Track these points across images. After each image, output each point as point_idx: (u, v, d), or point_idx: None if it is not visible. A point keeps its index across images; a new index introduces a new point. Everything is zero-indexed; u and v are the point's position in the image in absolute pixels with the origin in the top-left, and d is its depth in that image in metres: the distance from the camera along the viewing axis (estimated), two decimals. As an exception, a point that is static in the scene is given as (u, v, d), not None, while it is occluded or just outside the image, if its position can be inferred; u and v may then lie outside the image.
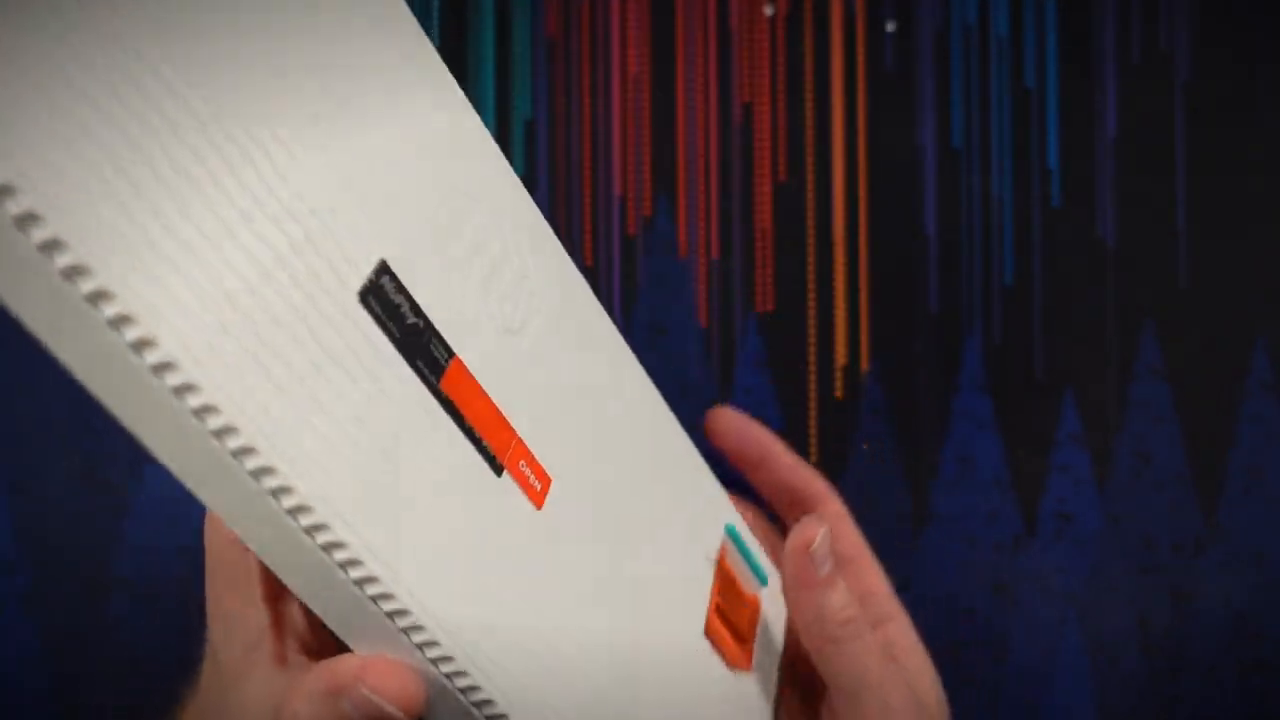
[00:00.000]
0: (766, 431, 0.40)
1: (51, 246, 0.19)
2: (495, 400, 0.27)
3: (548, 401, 0.28)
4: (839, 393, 0.42)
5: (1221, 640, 0.42)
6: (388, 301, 0.24)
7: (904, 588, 0.42)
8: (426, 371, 0.25)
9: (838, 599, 0.32)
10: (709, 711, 0.32)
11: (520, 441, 0.27)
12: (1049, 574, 0.42)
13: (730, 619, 0.33)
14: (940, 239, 0.42)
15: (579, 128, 0.42)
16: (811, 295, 0.42)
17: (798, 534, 0.32)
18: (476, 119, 0.28)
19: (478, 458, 0.26)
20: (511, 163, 0.42)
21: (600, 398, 0.30)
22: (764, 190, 0.42)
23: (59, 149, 0.19)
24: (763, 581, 0.36)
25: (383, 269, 0.24)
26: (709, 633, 0.32)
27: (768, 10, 0.42)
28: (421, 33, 0.27)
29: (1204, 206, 0.42)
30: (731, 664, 0.33)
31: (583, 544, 0.28)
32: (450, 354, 0.26)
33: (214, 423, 0.21)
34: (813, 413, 0.42)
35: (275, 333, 0.22)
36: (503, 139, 0.42)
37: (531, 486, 0.27)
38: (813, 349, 0.42)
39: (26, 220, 0.18)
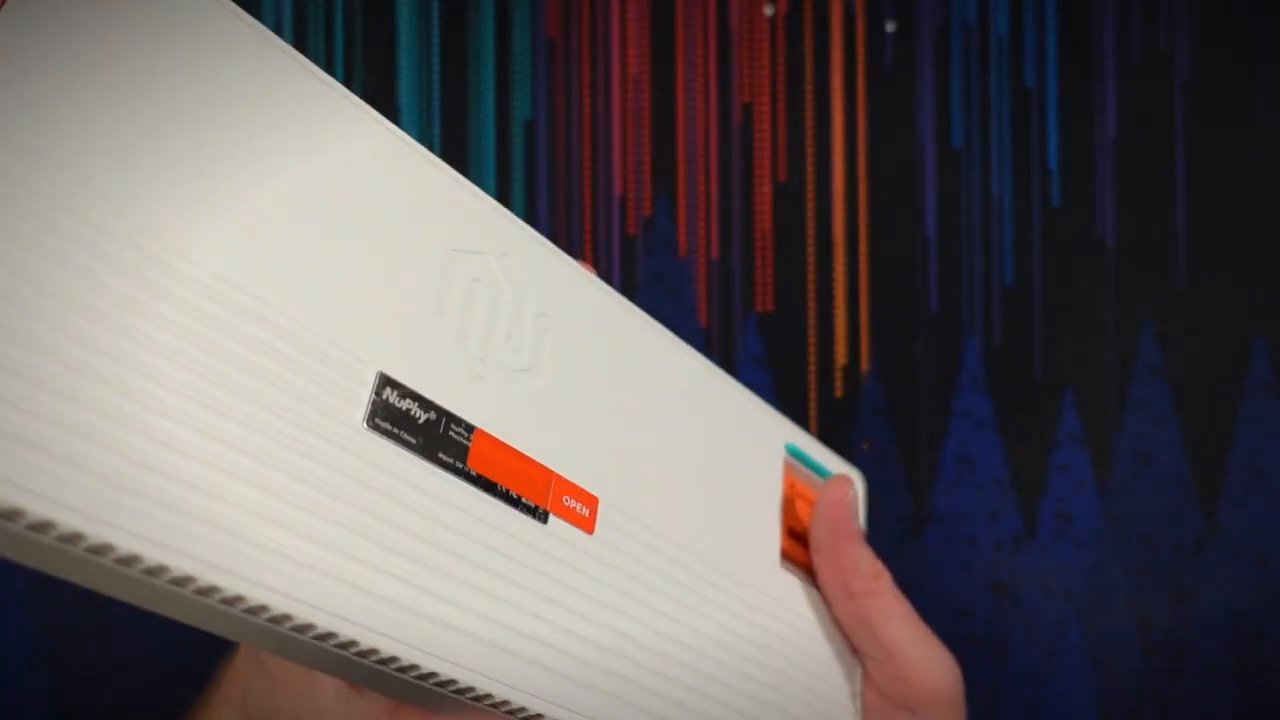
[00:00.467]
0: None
1: (72, 540, 0.19)
2: (523, 450, 0.26)
3: (575, 421, 0.28)
4: (839, 393, 0.42)
5: (1221, 640, 0.42)
6: (395, 412, 0.24)
7: (904, 588, 0.42)
8: (452, 461, 0.25)
9: (869, 553, 0.33)
10: (809, 632, 0.32)
11: (558, 477, 0.27)
12: (1049, 574, 0.42)
13: (804, 535, 0.34)
14: (940, 239, 0.42)
15: (579, 128, 0.42)
16: (811, 295, 0.42)
17: (831, 490, 0.33)
18: (399, 140, 0.26)
19: (522, 517, 0.26)
20: (511, 163, 0.42)
21: (626, 383, 0.30)
22: (764, 190, 0.42)
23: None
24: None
25: (383, 382, 0.24)
26: (786, 557, 0.32)
27: (768, 10, 0.42)
28: (310, 67, 0.25)
29: (1204, 206, 0.42)
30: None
31: (640, 546, 0.28)
32: (470, 429, 0.25)
33: (302, 629, 0.22)
34: (813, 413, 0.42)
35: (314, 522, 0.22)
36: (503, 139, 0.42)
37: (580, 516, 0.27)
38: (813, 349, 0.42)
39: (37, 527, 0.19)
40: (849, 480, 0.33)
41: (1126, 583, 0.42)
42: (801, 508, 0.34)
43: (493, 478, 0.25)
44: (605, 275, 0.42)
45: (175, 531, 0.20)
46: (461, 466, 0.25)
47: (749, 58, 0.42)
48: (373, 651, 0.22)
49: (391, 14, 0.42)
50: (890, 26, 0.42)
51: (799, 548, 0.33)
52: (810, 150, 0.42)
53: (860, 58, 0.42)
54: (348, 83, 0.42)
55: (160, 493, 0.20)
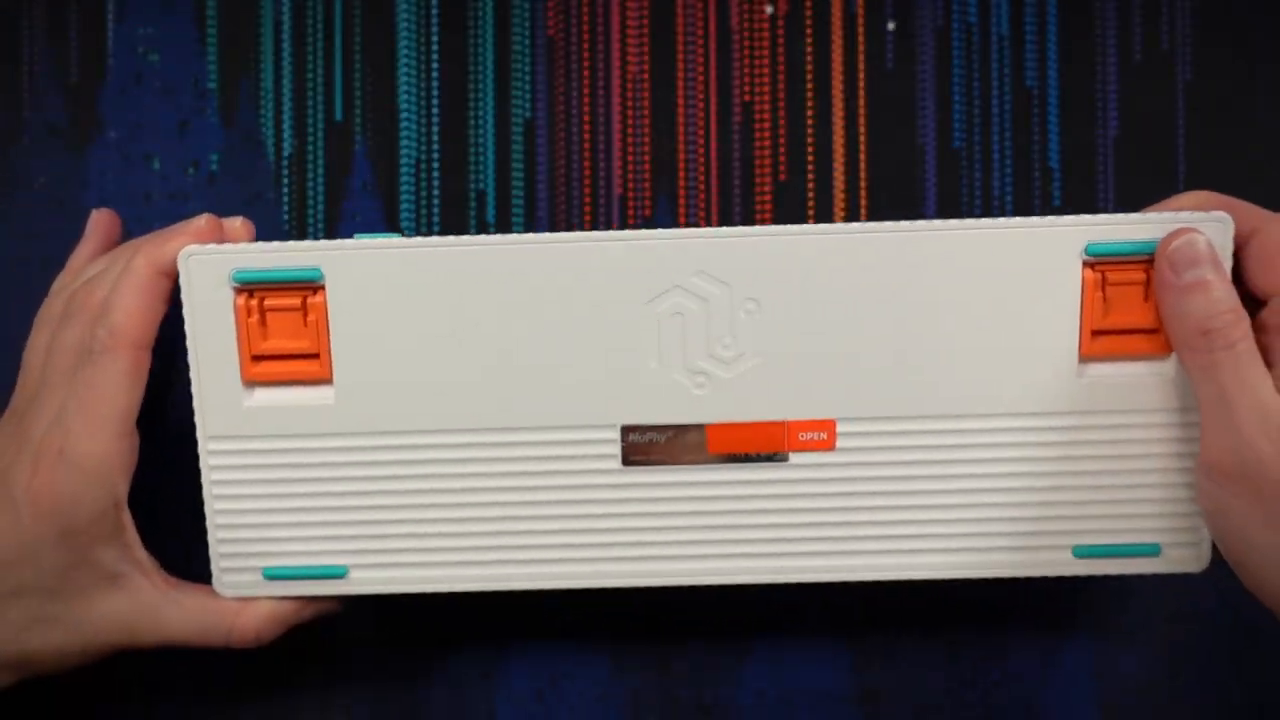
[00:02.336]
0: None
1: None
2: (753, 419, 0.35)
3: (798, 368, 0.35)
4: (839, 393, 0.42)
5: (1222, 641, 0.42)
6: (640, 445, 0.35)
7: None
8: (695, 457, 0.35)
9: (1199, 306, 0.32)
10: (1121, 421, 0.35)
11: (790, 423, 0.35)
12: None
13: (1123, 322, 0.34)
14: (940, 239, 0.42)
15: (579, 127, 0.42)
16: (811, 295, 0.42)
17: (1166, 237, 0.33)
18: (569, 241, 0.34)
19: (766, 467, 0.35)
20: (511, 162, 0.42)
21: (853, 302, 0.34)
22: (764, 190, 0.42)
23: None
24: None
25: (625, 431, 0.35)
26: (1088, 358, 0.35)
27: (768, 9, 0.42)
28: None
29: (1205, 206, 0.42)
30: (1145, 354, 0.35)
31: (888, 437, 0.35)
32: (701, 427, 0.35)
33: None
34: (812, 413, 0.42)
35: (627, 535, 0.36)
36: (503, 139, 0.42)
37: (819, 441, 0.35)
38: (813, 349, 0.42)
39: None
40: (1172, 235, 0.32)
41: (1127, 583, 0.42)
42: (1116, 296, 0.34)
43: (731, 451, 0.35)
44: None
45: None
46: (703, 456, 0.35)
47: (749, 58, 0.42)
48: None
49: (391, 14, 0.42)
50: (891, 26, 0.42)
51: (1105, 342, 0.34)
52: (810, 150, 0.42)
53: (860, 57, 0.42)
54: (347, 82, 0.42)
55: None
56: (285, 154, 0.42)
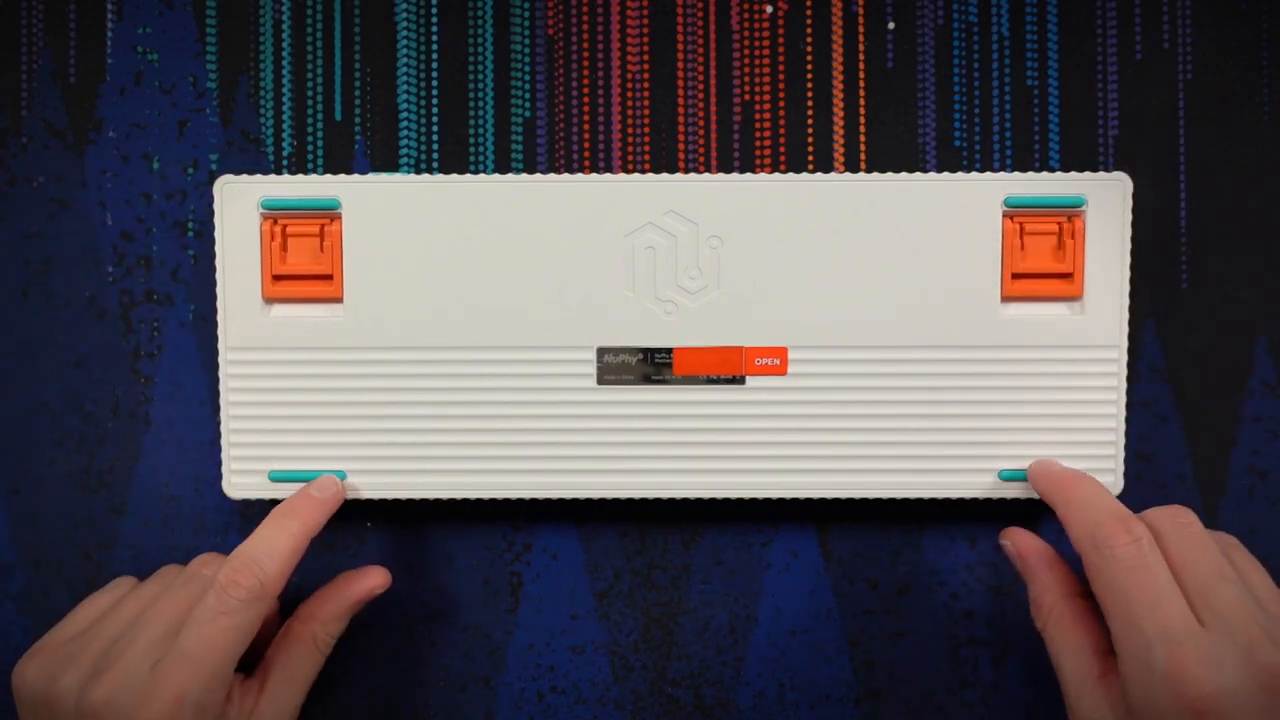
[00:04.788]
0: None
1: None
2: (715, 344, 0.38)
3: (757, 300, 0.38)
4: (839, 393, 0.42)
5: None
6: (614, 366, 0.39)
7: (904, 589, 0.42)
8: (662, 377, 0.39)
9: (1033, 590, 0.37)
10: (1038, 346, 0.39)
11: (748, 349, 0.38)
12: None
13: (1038, 266, 0.39)
14: (941, 239, 0.42)
15: (579, 128, 0.42)
16: (811, 295, 0.42)
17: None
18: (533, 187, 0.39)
19: (725, 388, 0.39)
20: (511, 162, 0.42)
21: (805, 242, 0.38)
22: (764, 190, 0.42)
23: None
24: (1078, 203, 0.39)
25: (601, 352, 0.38)
26: (1009, 299, 0.39)
27: (768, 9, 0.42)
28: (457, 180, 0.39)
29: (1206, 206, 0.42)
30: (1059, 296, 0.39)
31: (835, 363, 0.38)
32: (669, 350, 0.38)
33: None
34: (813, 413, 0.42)
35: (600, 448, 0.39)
36: (502, 139, 0.42)
37: (771, 367, 0.38)
38: (813, 349, 0.42)
39: None
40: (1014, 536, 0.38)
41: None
42: (1032, 244, 0.39)
43: (694, 373, 0.39)
44: (605, 275, 0.42)
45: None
46: (669, 377, 0.39)
47: (749, 57, 0.42)
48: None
49: (391, 14, 0.42)
50: (891, 25, 0.42)
51: (1024, 285, 0.39)
52: (810, 150, 0.42)
53: (861, 56, 0.42)
54: (347, 82, 0.42)
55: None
56: (285, 154, 0.42)
